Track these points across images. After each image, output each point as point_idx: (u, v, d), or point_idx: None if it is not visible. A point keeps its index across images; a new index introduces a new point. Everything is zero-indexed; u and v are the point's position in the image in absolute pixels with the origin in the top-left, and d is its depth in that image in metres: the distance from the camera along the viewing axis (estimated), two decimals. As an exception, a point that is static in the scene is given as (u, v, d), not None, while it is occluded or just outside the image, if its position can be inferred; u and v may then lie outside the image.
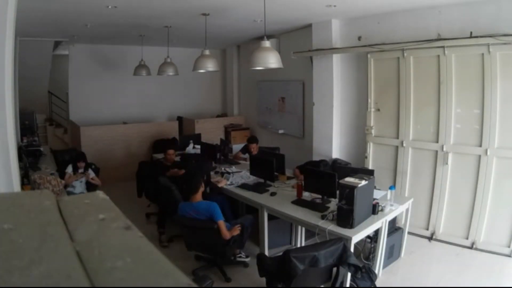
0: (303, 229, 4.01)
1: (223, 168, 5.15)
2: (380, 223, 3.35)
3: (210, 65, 4.99)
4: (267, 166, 4.43)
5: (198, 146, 6.11)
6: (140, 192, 5.15)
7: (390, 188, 3.79)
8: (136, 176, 5.27)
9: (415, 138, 4.65)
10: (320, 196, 3.75)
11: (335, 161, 5.47)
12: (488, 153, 4.01)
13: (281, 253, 2.75)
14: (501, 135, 3.96)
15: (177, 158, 5.82)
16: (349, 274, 2.96)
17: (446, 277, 3.60)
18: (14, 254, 0.41)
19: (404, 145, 4.72)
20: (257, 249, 4.03)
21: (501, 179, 3.98)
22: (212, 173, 4.87)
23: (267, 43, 3.73)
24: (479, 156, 4.09)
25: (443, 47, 4.18)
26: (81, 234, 0.47)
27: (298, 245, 4.05)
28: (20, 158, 3.80)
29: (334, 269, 2.83)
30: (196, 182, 3.57)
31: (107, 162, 6.64)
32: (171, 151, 5.17)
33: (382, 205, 3.43)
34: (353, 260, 2.72)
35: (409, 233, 4.16)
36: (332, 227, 3.12)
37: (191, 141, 6.29)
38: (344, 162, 5.37)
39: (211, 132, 7.88)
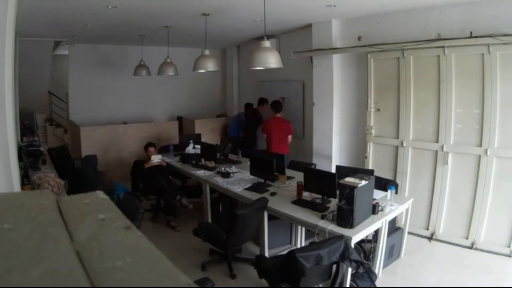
0: (303, 229, 4.00)
1: (223, 168, 5.14)
2: (380, 223, 3.35)
3: (210, 65, 4.99)
4: (267, 166, 4.43)
5: (198, 146, 6.10)
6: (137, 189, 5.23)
7: (390, 188, 3.79)
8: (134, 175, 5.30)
9: (415, 138, 4.65)
10: (320, 196, 3.74)
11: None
12: (488, 153, 4.01)
13: (280, 253, 2.76)
14: (501, 135, 3.96)
15: (177, 158, 5.86)
16: (349, 274, 2.96)
17: (446, 277, 3.60)
18: (14, 254, 0.41)
19: (404, 145, 4.72)
20: (257, 249, 4.03)
21: (501, 179, 3.98)
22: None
23: (267, 43, 3.73)
24: (479, 156, 4.09)
25: (443, 47, 4.18)
26: (81, 234, 0.47)
27: (298, 245, 4.05)
28: (20, 158, 3.80)
29: (334, 267, 2.84)
30: None
31: (107, 162, 6.64)
32: (151, 149, 5.47)
33: (382, 205, 3.43)
34: (355, 256, 2.73)
35: (409, 233, 4.16)
36: (332, 227, 3.12)
37: (191, 141, 6.29)
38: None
39: (211, 132, 7.88)
